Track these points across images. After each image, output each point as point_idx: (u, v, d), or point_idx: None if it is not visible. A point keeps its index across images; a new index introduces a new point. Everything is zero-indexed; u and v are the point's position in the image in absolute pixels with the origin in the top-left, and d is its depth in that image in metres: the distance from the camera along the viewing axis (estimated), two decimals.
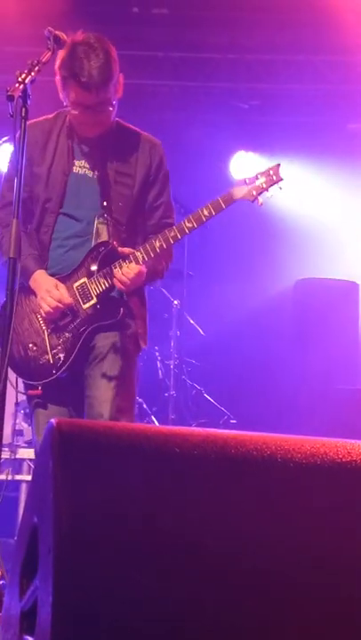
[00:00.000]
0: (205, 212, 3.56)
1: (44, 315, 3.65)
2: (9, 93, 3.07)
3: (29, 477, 5.83)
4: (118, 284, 3.57)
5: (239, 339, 8.05)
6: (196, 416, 7.24)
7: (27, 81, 3.14)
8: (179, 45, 7.69)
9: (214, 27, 7.37)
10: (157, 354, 7.27)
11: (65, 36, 3.44)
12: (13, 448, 5.94)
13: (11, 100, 3.07)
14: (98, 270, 3.61)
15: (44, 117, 3.75)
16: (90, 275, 3.62)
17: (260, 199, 3.66)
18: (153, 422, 6.74)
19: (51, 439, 1.64)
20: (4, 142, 5.08)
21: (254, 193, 3.62)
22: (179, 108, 8.11)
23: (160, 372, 7.28)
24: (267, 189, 3.65)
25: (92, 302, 3.62)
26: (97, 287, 3.61)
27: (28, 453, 5.96)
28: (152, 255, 3.57)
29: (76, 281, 3.64)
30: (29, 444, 5.96)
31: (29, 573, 1.79)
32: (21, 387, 3.73)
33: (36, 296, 3.66)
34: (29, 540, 1.79)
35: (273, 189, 3.68)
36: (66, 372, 3.61)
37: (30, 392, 3.68)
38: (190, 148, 7.58)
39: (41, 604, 1.59)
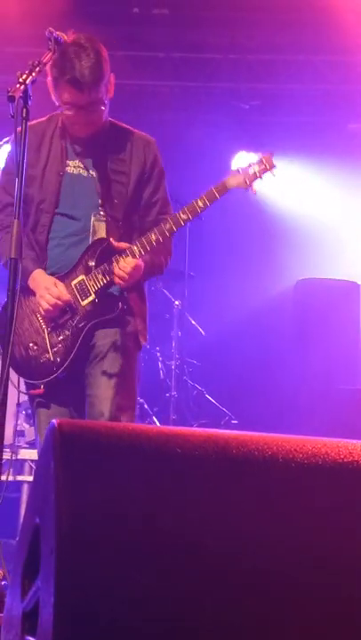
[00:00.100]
0: (200, 203, 3.57)
1: (43, 313, 3.66)
2: (10, 94, 3.08)
3: (31, 478, 5.83)
4: (116, 279, 3.58)
5: (240, 339, 8.05)
6: (197, 416, 7.24)
7: (28, 82, 3.15)
8: (179, 46, 7.70)
9: (215, 27, 7.37)
10: (159, 354, 7.27)
11: (66, 37, 3.45)
12: (15, 449, 5.93)
13: (12, 101, 3.08)
14: (95, 267, 3.62)
15: (37, 120, 3.76)
16: (88, 272, 3.64)
17: (254, 187, 3.65)
18: (154, 423, 6.74)
19: (52, 440, 1.64)
20: (4, 143, 5.08)
21: (248, 181, 3.62)
22: (179, 108, 8.11)
23: (161, 372, 7.28)
24: (260, 177, 3.64)
25: (91, 299, 3.63)
26: (95, 284, 3.62)
27: (29, 454, 5.96)
28: (148, 248, 3.57)
29: (74, 279, 3.66)
30: (31, 445, 5.97)
31: (31, 574, 1.79)
32: (23, 387, 3.74)
33: (35, 296, 3.67)
34: (31, 540, 1.79)
35: (266, 177, 3.67)
36: (66, 370, 3.62)
37: (32, 392, 3.69)
38: (191, 148, 7.58)
39: (43, 604, 1.59)
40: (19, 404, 5.69)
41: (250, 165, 3.62)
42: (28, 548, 1.81)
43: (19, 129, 3.13)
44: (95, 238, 3.67)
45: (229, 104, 8.05)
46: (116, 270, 3.57)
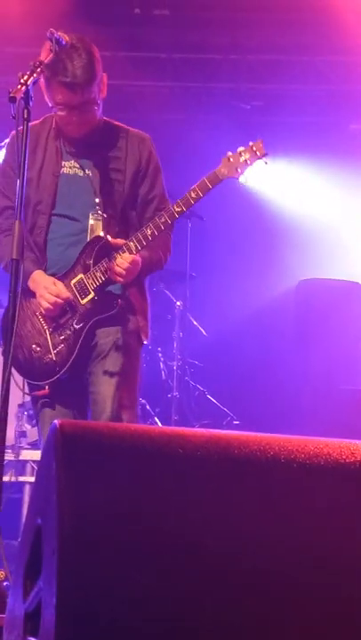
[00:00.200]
0: (193, 195, 3.56)
1: (44, 312, 3.67)
2: (11, 95, 3.08)
3: (33, 479, 5.83)
4: (114, 276, 3.59)
5: (242, 339, 8.05)
6: (199, 417, 7.24)
7: (29, 82, 3.16)
8: (180, 46, 7.70)
9: (216, 27, 7.37)
10: (160, 355, 7.27)
11: (67, 38, 3.45)
12: (17, 450, 5.94)
13: (13, 102, 3.09)
14: (93, 265, 3.62)
15: (32, 123, 3.76)
16: (86, 270, 3.64)
17: (245, 175, 3.63)
18: (156, 423, 6.74)
19: (54, 440, 1.64)
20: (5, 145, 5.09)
21: (239, 170, 3.60)
22: (180, 108, 8.11)
23: (163, 373, 7.28)
24: (251, 164, 3.63)
25: (90, 297, 3.64)
26: (94, 281, 3.62)
27: (31, 455, 5.96)
28: (144, 243, 3.57)
29: (73, 278, 3.67)
30: (33, 446, 5.97)
31: (33, 575, 1.79)
32: (27, 388, 3.75)
33: (35, 297, 3.68)
34: (33, 541, 1.79)
35: (257, 164, 3.65)
36: (69, 370, 3.63)
37: (38, 393, 3.69)
38: (192, 148, 7.58)
39: (45, 605, 1.59)
40: (20, 405, 5.71)
41: (240, 153, 3.60)
42: (30, 549, 1.81)
43: (20, 129, 3.13)
44: (92, 237, 3.68)
45: (230, 104, 8.05)
46: (114, 267, 3.57)
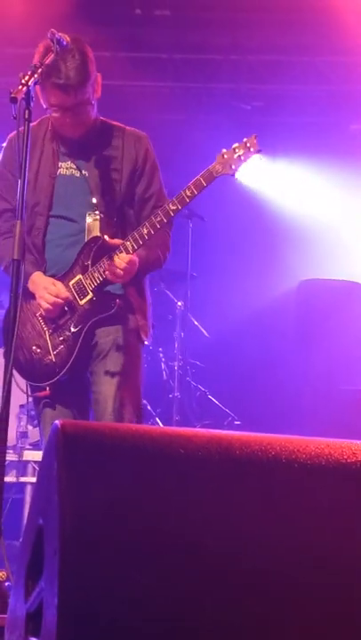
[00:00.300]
0: (188, 193, 3.55)
1: (44, 313, 3.67)
2: (12, 95, 3.08)
3: (34, 479, 5.83)
4: (111, 276, 3.59)
5: (243, 340, 8.04)
6: (200, 417, 7.24)
7: (30, 83, 3.16)
8: (181, 46, 7.70)
9: (216, 28, 7.37)
10: (161, 355, 7.27)
11: (68, 38, 3.45)
12: (18, 450, 5.94)
13: (14, 103, 3.09)
14: (91, 265, 3.63)
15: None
16: (84, 271, 3.65)
17: (240, 172, 3.61)
18: (157, 423, 6.74)
19: (55, 441, 1.64)
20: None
21: (233, 167, 3.58)
22: (181, 109, 8.11)
23: (164, 373, 7.28)
24: (245, 160, 3.61)
25: (89, 297, 3.64)
26: (92, 282, 3.63)
27: (32, 455, 5.96)
28: (141, 242, 3.57)
29: (71, 279, 3.67)
30: (34, 447, 5.97)
31: (35, 575, 1.79)
32: (29, 390, 3.76)
33: (35, 299, 3.69)
34: (35, 541, 1.79)
35: (252, 160, 3.63)
36: (69, 371, 3.63)
37: (39, 394, 3.70)
38: (192, 149, 7.58)
39: (46, 605, 1.59)
40: (22, 406, 5.71)
41: (234, 150, 3.58)
42: (32, 549, 1.81)
43: (21, 129, 3.13)
44: (90, 237, 3.68)
45: (231, 105, 8.05)
46: (111, 267, 3.57)
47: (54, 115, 3.64)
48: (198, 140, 7.66)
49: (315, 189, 8.44)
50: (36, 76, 3.22)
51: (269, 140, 7.96)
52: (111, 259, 3.58)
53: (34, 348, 3.69)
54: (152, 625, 1.52)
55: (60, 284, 3.66)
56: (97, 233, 3.67)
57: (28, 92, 3.13)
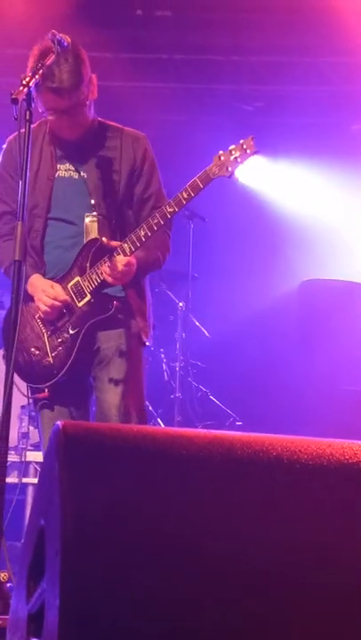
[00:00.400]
0: (185, 195, 3.54)
1: (42, 316, 3.68)
2: (13, 96, 3.08)
3: (36, 480, 5.83)
4: (108, 278, 3.58)
5: (244, 340, 8.04)
6: (201, 418, 7.24)
7: (31, 84, 3.16)
8: (182, 47, 7.69)
9: (218, 29, 7.37)
10: (163, 356, 7.27)
11: (69, 39, 3.46)
12: (20, 451, 5.94)
13: (15, 103, 3.09)
14: (90, 267, 3.63)
15: None
16: (82, 273, 3.65)
17: (237, 173, 3.60)
18: (159, 424, 6.74)
19: (56, 441, 1.64)
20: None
21: (230, 169, 3.56)
22: (182, 110, 8.11)
23: (166, 374, 7.28)
24: (242, 162, 3.60)
25: (87, 299, 3.64)
26: (90, 284, 3.63)
27: (34, 456, 5.96)
28: (138, 244, 3.56)
29: (70, 281, 3.68)
30: (36, 448, 5.97)
31: (36, 576, 1.79)
32: (28, 391, 3.77)
33: (34, 301, 3.69)
34: (36, 542, 1.79)
35: (248, 162, 3.62)
36: (67, 373, 3.64)
37: (38, 395, 3.71)
38: (193, 149, 7.58)
39: (48, 606, 1.59)
40: (23, 407, 5.71)
41: (231, 151, 3.58)
42: (34, 550, 1.81)
43: (22, 130, 3.13)
44: (88, 239, 3.69)
45: (232, 106, 8.05)
46: (108, 269, 3.58)
47: (50, 118, 3.65)
48: (200, 140, 7.66)
49: (316, 190, 8.45)
50: (37, 76, 3.22)
51: (271, 141, 7.98)
52: (109, 261, 3.58)
53: (32, 349, 3.69)
54: (153, 626, 1.52)
55: (58, 287, 3.66)
56: (95, 234, 3.67)
57: (29, 93, 3.13)
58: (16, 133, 3.36)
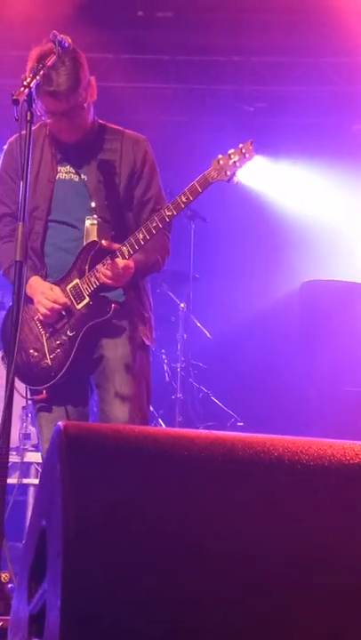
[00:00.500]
0: (183, 199, 3.54)
1: (41, 318, 3.68)
2: (14, 97, 3.08)
3: (37, 481, 5.83)
4: (105, 280, 3.59)
5: (246, 341, 8.04)
6: (203, 418, 7.24)
7: (32, 85, 3.15)
8: (183, 48, 7.70)
9: (219, 29, 7.38)
10: (164, 357, 7.27)
11: (70, 40, 3.45)
12: (21, 452, 5.94)
13: (16, 104, 3.09)
14: (88, 270, 3.63)
15: None
16: (81, 275, 3.66)
17: (235, 178, 3.61)
18: (160, 425, 6.74)
19: (58, 442, 1.64)
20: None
21: (228, 173, 3.57)
22: (184, 110, 8.12)
23: (167, 374, 7.28)
24: (240, 167, 3.60)
25: (85, 301, 3.65)
26: (88, 286, 3.63)
27: (35, 457, 5.97)
28: (137, 247, 3.57)
29: (69, 283, 3.68)
30: (37, 448, 5.97)
31: (38, 577, 1.79)
32: (27, 393, 3.77)
33: (33, 303, 3.69)
34: (38, 543, 1.79)
35: (247, 166, 3.62)
36: (65, 375, 3.65)
37: (36, 397, 3.72)
38: (195, 150, 7.58)
39: (49, 607, 1.59)
40: (24, 407, 5.71)
41: (230, 156, 3.58)
42: (35, 551, 1.81)
43: (23, 132, 3.13)
44: (87, 241, 3.69)
45: (233, 106, 8.05)
46: (105, 271, 3.58)
47: (49, 121, 3.65)
48: (201, 141, 7.67)
49: (317, 190, 8.45)
50: (37, 77, 3.22)
51: (272, 141, 8.00)
52: (107, 263, 3.58)
53: (31, 351, 3.70)
54: (155, 626, 1.52)
55: (57, 290, 3.66)
56: (95, 237, 3.67)
57: (30, 94, 3.13)
58: (17, 135, 3.37)
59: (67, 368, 3.64)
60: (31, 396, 3.75)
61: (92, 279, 3.62)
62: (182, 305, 7.24)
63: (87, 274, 3.63)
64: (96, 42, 6.56)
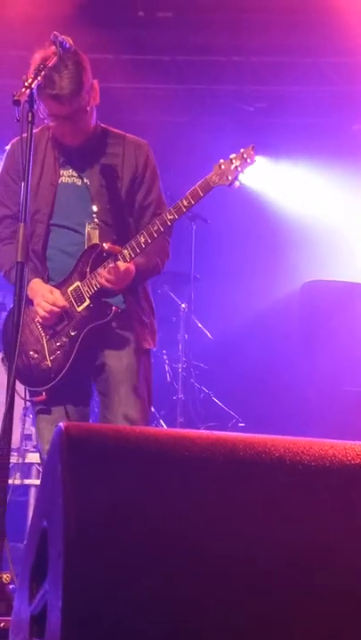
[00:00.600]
0: (185, 203, 3.55)
1: (41, 320, 3.68)
2: (15, 98, 3.07)
3: (38, 481, 5.84)
4: (106, 283, 3.59)
5: (247, 341, 8.05)
6: (204, 419, 7.24)
7: (33, 86, 3.15)
8: (184, 48, 7.70)
9: (219, 29, 7.38)
10: (165, 357, 7.28)
11: (71, 41, 3.45)
12: (22, 452, 5.95)
13: (17, 105, 3.08)
14: (89, 272, 3.64)
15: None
16: (82, 278, 3.66)
17: (237, 182, 3.62)
18: (161, 425, 6.74)
19: (59, 443, 1.64)
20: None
21: (230, 177, 3.58)
22: (184, 110, 8.12)
23: (168, 375, 7.28)
24: (242, 172, 3.61)
25: (86, 304, 3.65)
26: (89, 289, 3.64)
27: (36, 458, 5.97)
28: (138, 251, 3.57)
29: (70, 285, 3.69)
30: (38, 449, 5.97)
31: (39, 577, 1.79)
32: (27, 394, 3.78)
33: (33, 305, 3.70)
34: (39, 543, 1.79)
35: (248, 171, 3.63)
36: (64, 377, 3.65)
37: (35, 398, 3.72)
38: (195, 150, 7.58)
39: (51, 608, 1.59)
40: (26, 408, 5.72)
41: (231, 160, 3.59)
42: (36, 552, 1.81)
43: (24, 135, 3.13)
44: (89, 244, 3.69)
45: (234, 106, 8.05)
46: (105, 274, 3.58)
47: (52, 124, 3.65)
48: (201, 141, 7.68)
49: (318, 190, 8.45)
50: (39, 78, 3.21)
51: (272, 141, 8.00)
52: (108, 266, 3.58)
53: (31, 353, 3.70)
54: (156, 626, 1.52)
55: (57, 292, 3.67)
56: (96, 240, 3.68)
57: (31, 95, 3.13)
58: (20, 137, 3.37)
59: (66, 370, 3.64)
60: (30, 397, 3.75)
61: (93, 282, 3.62)
62: (183, 305, 7.24)
63: (88, 276, 3.64)
64: (96, 42, 6.56)
